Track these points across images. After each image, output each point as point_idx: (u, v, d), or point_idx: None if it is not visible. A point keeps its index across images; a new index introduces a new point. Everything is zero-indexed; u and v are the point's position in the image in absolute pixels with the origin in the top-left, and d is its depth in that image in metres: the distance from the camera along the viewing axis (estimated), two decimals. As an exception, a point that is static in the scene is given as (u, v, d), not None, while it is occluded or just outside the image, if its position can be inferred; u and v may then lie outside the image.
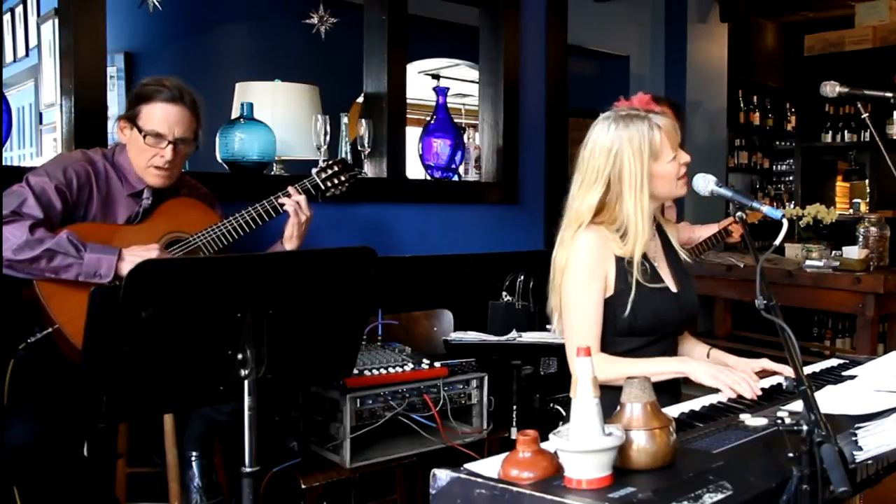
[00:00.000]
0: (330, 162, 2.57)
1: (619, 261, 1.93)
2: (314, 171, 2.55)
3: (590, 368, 1.24)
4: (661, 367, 1.93)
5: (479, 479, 1.23)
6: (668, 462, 1.28)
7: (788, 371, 1.90)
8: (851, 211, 6.36)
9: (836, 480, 1.20)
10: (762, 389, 1.85)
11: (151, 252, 2.12)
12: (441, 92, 3.56)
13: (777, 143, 7.59)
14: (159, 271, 1.59)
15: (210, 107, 2.44)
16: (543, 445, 1.28)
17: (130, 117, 2.24)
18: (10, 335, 2.06)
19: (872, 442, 1.31)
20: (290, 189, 2.43)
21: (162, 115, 2.22)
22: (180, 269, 1.65)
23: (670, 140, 1.93)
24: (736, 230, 3.13)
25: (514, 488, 1.19)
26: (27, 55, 4.59)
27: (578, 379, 1.24)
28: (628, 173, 1.90)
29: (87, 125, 2.51)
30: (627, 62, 5.41)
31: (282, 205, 2.40)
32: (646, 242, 1.94)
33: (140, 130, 2.22)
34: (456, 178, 3.62)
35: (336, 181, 2.54)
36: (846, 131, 6.54)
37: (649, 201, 1.93)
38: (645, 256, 1.97)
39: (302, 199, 2.42)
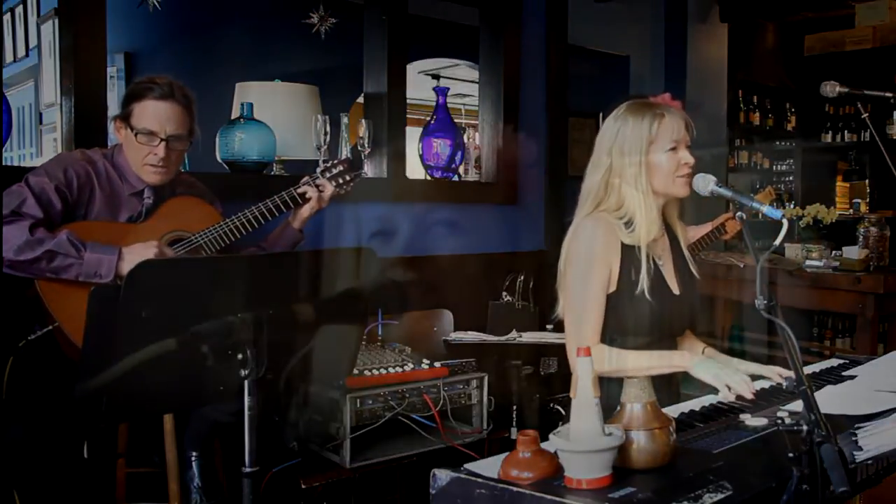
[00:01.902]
0: (335, 161, 2.57)
1: (625, 253, 1.93)
2: (319, 170, 2.55)
3: (590, 368, 1.24)
4: (662, 361, 1.93)
5: (479, 479, 1.24)
6: (668, 462, 1.28)
7: (774, 373, 1.91)
8: (851, 211, 6.36)
9: (836, 480, 1.20)
10: (762, 389, 1.85)
11: (150, 248, 2.11)
12: (441, 92, 3.56)
13: (777, 143, 7.58)
14: (159, 271, 1.59)
15: (210, 107, 2.44)
16: (543, 445, 1.28)
17: (124, 116, 2.25)
18: (11, 332, 2.06)
19: (872, 442, 1.31)
20: (308, 178, 2.49)
21: (152, 113, 2.22)
22: (180, 268, 1.65)
23: (670, 132, 1.94)
24: (731, 227, 3.13)
25: (514, 488, 1.19)
26: (27, 55, 4.57)
27: (578, 379, 1.24)
28: (628, 147, 1.93)
29: (86, 125, 2.51)
30: (627, 62, 5.40)
31: (303, 193, 2.44)
32: (652, 223, 1.94)
33: (132, 129, 2.22)
34: (456, 178, 3.62)
35: (341, 181, 2.54)
36: (846, 131, 6.53)
37: (649, 186, 1.93)
38: (650, 255, 1.97)
39: (326, 184, 2.49)
